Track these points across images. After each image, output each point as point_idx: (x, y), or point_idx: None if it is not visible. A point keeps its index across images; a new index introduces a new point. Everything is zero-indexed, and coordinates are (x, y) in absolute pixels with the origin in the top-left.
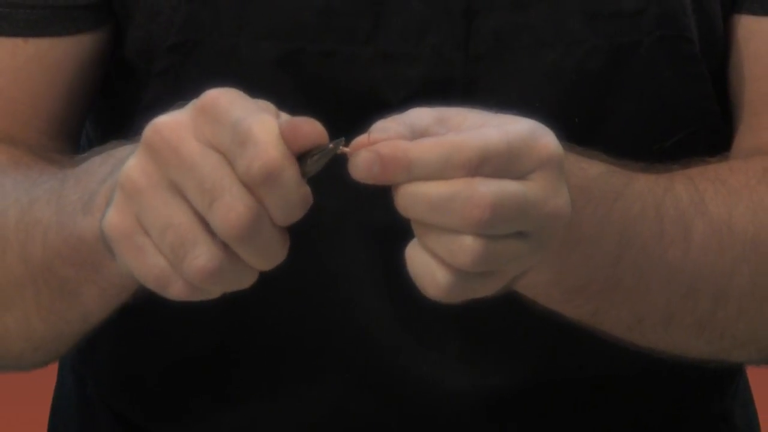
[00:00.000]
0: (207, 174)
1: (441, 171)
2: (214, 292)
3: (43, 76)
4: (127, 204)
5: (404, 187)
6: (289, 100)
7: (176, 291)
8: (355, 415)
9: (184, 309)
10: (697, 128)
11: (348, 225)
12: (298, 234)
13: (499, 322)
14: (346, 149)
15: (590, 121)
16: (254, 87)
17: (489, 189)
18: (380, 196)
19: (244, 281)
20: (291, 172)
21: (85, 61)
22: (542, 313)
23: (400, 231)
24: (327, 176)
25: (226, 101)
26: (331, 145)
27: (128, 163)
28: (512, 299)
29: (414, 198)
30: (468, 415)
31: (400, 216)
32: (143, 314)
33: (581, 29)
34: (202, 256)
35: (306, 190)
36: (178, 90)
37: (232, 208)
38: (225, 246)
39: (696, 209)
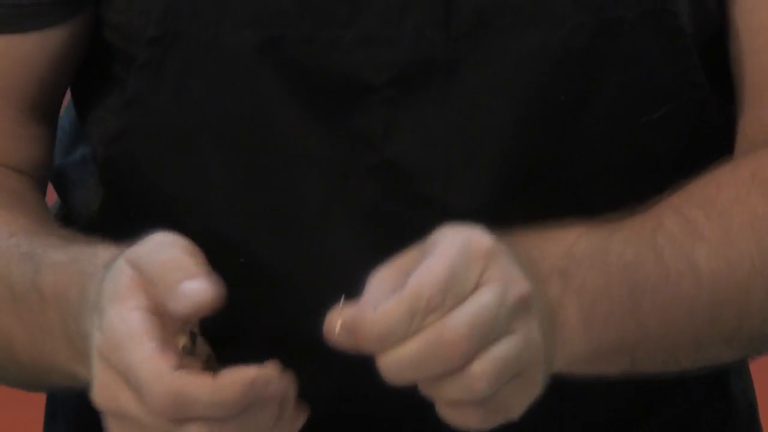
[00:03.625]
0: None
1: (410, 325)
2: None
3: (13, 70)
4: None
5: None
6: (271, 88)
7: None
8: (349, 400)
9: None
10: (683, 101)
11: (334, 209)
12: (284, 220)
13: None
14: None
15: (577, 98)
16: (236, 76)
17: (458, 324)
18: (366, 178)
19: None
20: None
21: (58, 52)
22: None
23: (387, 212)
24: (309, 163)
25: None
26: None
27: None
28: None
29: (396, 364)
30: None
31: (387, 196)
32: None
33: (566, 6)
34: None
35: None
36: (160, 83)
37: None
38: None
39: (692, 238)
